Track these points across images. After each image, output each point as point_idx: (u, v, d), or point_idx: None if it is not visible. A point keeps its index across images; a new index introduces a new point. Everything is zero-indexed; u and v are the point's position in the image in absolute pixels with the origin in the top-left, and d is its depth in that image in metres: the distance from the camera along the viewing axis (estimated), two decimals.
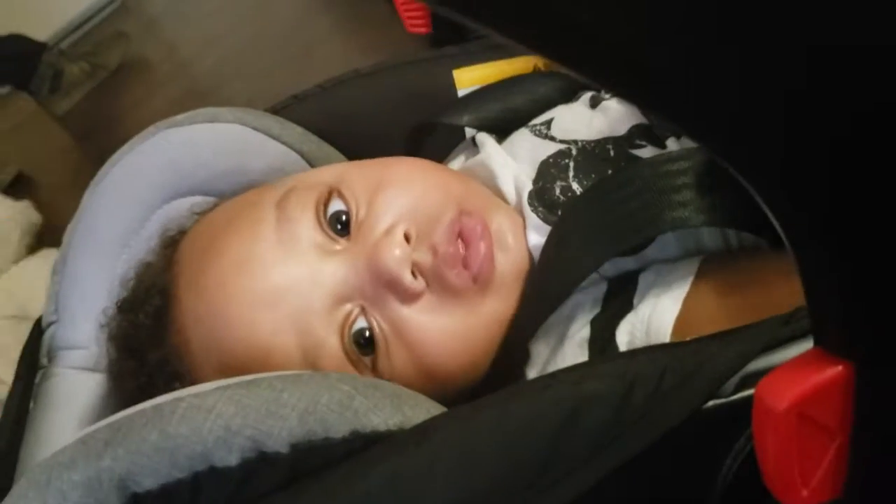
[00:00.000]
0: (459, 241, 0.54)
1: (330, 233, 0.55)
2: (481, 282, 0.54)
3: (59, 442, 0.47)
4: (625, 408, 0.38)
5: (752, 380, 0.39)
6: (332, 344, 0.53)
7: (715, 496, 0.41)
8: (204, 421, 0.41)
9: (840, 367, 0.29)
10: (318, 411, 0.42)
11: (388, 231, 0.54)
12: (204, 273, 0.55)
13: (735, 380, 0.39)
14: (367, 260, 0.53)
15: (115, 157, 0.69)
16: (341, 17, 2.17)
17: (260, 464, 0.41)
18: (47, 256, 1.67)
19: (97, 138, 2.45)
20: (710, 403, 0.39)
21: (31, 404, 0.64)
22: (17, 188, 2.34)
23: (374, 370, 0.54)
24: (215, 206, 0.63)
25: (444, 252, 0.53)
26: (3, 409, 0.64)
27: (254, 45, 2.31)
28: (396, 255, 0.52)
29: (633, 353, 0.43)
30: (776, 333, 0.39)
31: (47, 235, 1.88)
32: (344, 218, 0.56)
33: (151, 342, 0.57)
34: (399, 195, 0.56)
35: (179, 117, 0.70)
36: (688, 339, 0.42)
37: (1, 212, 1.81)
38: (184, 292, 0.57)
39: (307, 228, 0.54)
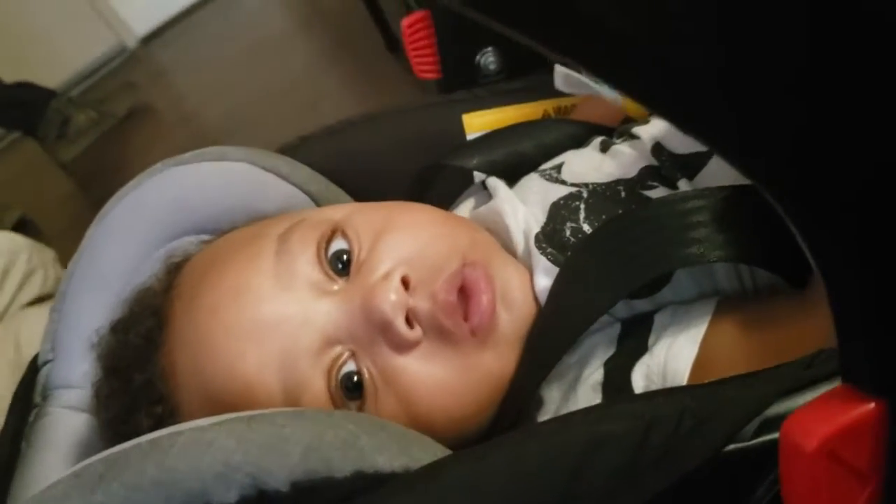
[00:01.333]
0: (460, 294, 0.53)
1: (329, 271, 0.53)
2: (481, 335, 0.52)
3: (51, 483, 0.45)
4: (641, 450, 0.37)
5: (772, 424, 0.38)
6: (316, 386, 0.50)
7: None
8: (203, 455, 0.39)
9: (871, 405, 0.28)
10: (322, 449, 0.40)
11: (387, 275, 0.52)
12: (198, 298, 0.54)
13: (755, 424, 0.38)
14: (361, 302, 0.51)
15: (120, 192, 0.68)
16: (349, 70, 2.20)
17: (258, 503, 0.39)
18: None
19: (101, 185, 2.46)
20: (730, 448, 0.38)
21: (24, 444, 0.62)
22: (20, 232, 2.33)
23: None
24: (221, 235, 0.62)
25: (443, 300, 0.51)
26: None
27: (261, 96, 2.34)
28: (392, 300, 0.50)
29: (650, 395, 0.42)
30: (798, 376, 0.38)
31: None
32: (345, 258, 0.54)
33: (139, 362, 0.55)
34: (403, 240, 0.55)
35: (187, 155, 0.69)
36: (706, 381, 0.41)
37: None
38: (177, 316, 0.55)
39: (306, 264, 0.53)
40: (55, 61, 2.99)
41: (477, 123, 0.77)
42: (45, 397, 0.64)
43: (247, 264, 0.54)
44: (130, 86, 2.83)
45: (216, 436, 0.40)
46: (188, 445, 0.40)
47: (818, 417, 0.29)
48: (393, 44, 1.98)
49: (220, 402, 0.51)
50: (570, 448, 0.37)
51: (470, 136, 0.76)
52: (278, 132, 0.75)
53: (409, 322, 0.51)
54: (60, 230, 2.30)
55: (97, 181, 2.50)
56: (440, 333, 0.51)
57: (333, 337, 0.51)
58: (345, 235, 0.55)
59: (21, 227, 2.42)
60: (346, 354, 0.51)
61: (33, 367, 0.67)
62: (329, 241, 0.54)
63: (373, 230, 0.55)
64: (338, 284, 0.53)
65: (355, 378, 0.51)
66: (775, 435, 0.37)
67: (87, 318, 0.64)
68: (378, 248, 0.54)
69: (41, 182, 2.75)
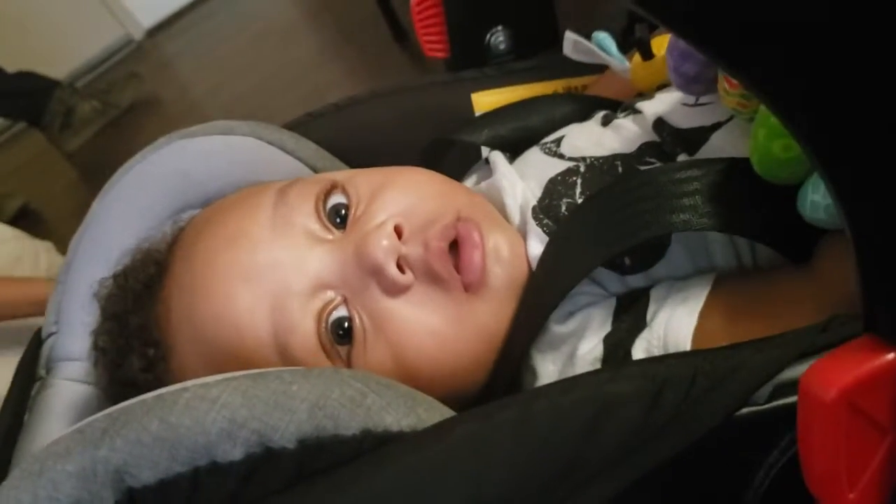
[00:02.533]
0: (452, 250, 0.53)
1: (326, 223, 0.54)
2: (472, 289, 0.52)
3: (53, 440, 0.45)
4: (654, 411, 0.36)
5: (786, 389, 0.37)
6: (306, 329, 0.51)
7: None
8: (208, 411, 0.39)
9: (892, 355, 0.27)
10: (329, 406, 0.39)
11: (381, 224, 0.53)
12: (196, 245, 0.55)
13: (769, 388, 0.37)
14: (354, 248, 0.52)
15: (126, 165, 0.68)
16: (356, 61, 2.19)
17: (265, 460, 0.38)
18: None
19: (105, 175, 2.43)
20: (743, 411, 0.37)
21: (27, 416, 0.61)
22: (22, 221, 2.33)
23: (348, 363, 0.52)
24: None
25: (435, 247, 0.52)
26: None
27: (267, 87, 2.33)
28: (384, 245, 0.51)
29: (661, 358, 0.41)
30: (813, 340, 0.37)
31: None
32: (343, 212, 0.55)
33: (136, 306, 0.57)
34: (399, 196, 0.56)
35: (194, 128, 0.69)
36: None
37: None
38: (176, 263, 0.56)
39: (303, 216, 0.54)
40: (61, 52, 2.98)
41: (486, 102, 0.76)
42: (48, 370, 0.64)
43: (245, 214, 0.55)
44: (135, 76, 2.82)
45: (221, 392, 0.39)
46: (193, 401, 0.39)
47: (838, 368, 0.28)
48: (400, 34, 1.97)
49: (211, 345, 0.51)
50: (580, 408, 0.37)
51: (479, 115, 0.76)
52: (283, 121, 0.75)
53: (400, 268, 0.51)
54: (64, 220, 2.30)
55: (101, 171, 2.47)
56: (432, 279, 0.52)
57: (325, 282, 0.52)
58: (344, 191, 0.56)
59: (23, 215, 2.43)
60: (338, 300, 0.52)
61: (37, 340, 0.66)
62: (328, 195, 0.55)
63: (371, 188, 0.56)
64: (333, 235, 0.54)
65: (346, 324, 0.51)
66: (789, 399, 0.37)
67: (91, 291, 0.64)
68: (374, 203, 0.55)
69: (45, 172, 2.74)
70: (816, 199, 0.41)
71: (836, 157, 0.25)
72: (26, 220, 2.35)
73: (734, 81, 0.46)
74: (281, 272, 0.51)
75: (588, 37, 0.70)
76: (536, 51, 0.83)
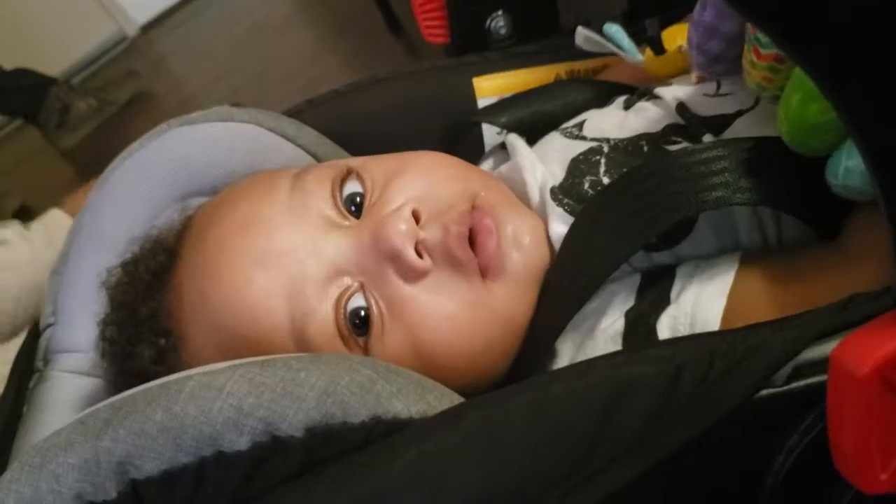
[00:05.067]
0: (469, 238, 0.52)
1: (342, 209, 0.54)
2: (490, 275, 0.52)
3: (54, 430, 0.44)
4: (672, 394, 0.35)
5: (806, 369, 0.36)
6: (323, 315, 0.50)
7: (765, 495, 0.38)
8: (214, 400, 0.37)
9: None
10: (338, 393, 0.38)
11: (397, 209, 0.52)
12: (208, 231, 0.54)
13: (788, 369, 0.36)
14: (371, 234, 0.51)
15: (124, 153, 0.66)
16: (351, 53, 2.18)
17: (272, 449, 0.37)
18: None
19: (102, 173, 2.44)
20: (763, 393, 0.36)
21: (25, 408, 0.60)
22: (20, 220, 2.32)
23: (366, 351, 0.51)
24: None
25: (455, 231, 0.51)
26: None
27: (262, 80, 2.32)
28: (401, 230, 0.50)
29: (676, 340, 0.40)
30: (833, 319, 0.36)
31: None
32: (358, 200, 0.54)
33: (146, 295, 0.55)
34: (415, 181, 0.55)
35: (193, 115, 0.68)
36: None
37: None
38: (187, 249, 0.55)
39: (319, 200, 0.53)
40: (55, 50, 2.97)
41: (487, 87, 0.75)
42: (46, 362, 0.63)
43: (259, 198, 0.54)
44: (131, 73, 2.80)
45: (228, 380, 0.38)
46: (198, 390, 0.38)
47: (871, 342, 0.27)
48: (395, 25, 1.96)
49: (225, 332, 0.50)
50: (596, 392, 0.36)
51: (480, 100, 0.75)
52: None
53: (418, 253, 0.50)
54: None
55: (98, 168, 2.45)
56: (451, 264, 0.51)
57: (342, 268, 0.51)
58: (359, 178, 0.55)
59: (22, 214, 2.41)
60: (355, 286, 0.51)
61: (35, 332, 0.65)
62: (343, 182, 0.55)
63: (386, 174, 0.55)
64: (349, 221, 0.53)
65: (363, 313, 0.50)
66: (810, 380, 0.36)
67: (90, 281, 0.63)
68: (390, 188, 0.54)
69: (42, 170, 2.73)
70: (851, 166, 0.40)
71: (878, 123, 0.24)
72: (25, 220, 2.33)
73: (763, 53, 0.44)
74: (297, 257, 0.50)
75: (589, 23, 0.69)
76: (537, 35, 0.82)
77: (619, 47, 0.67)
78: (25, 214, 2.41)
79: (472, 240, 0.52)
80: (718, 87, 0.56)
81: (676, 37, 0.63)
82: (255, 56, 2.50)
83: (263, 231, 0.51)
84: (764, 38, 0.45)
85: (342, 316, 0.50)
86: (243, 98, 2.28)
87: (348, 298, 0.51)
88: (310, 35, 2.47)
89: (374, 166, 0.56)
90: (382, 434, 0.38)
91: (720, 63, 0.50)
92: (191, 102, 2.52)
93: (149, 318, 0.54)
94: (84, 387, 0.61)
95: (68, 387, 0.60)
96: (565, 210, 0.54)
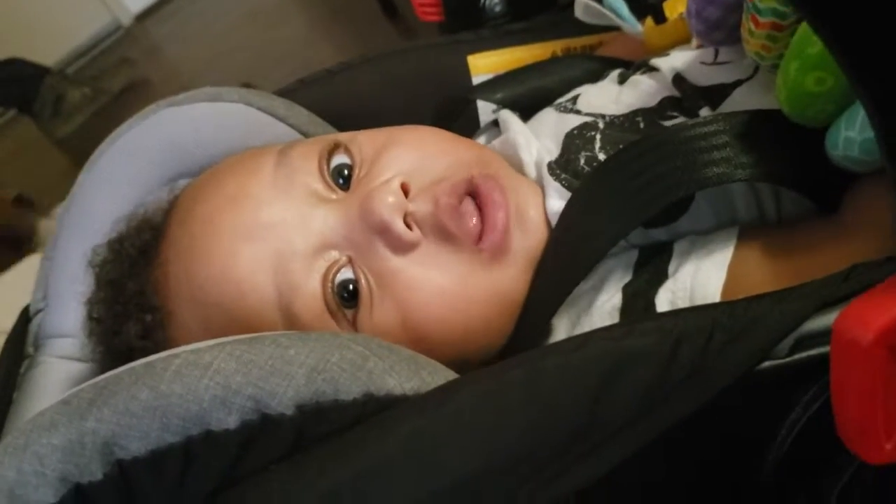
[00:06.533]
0: (472, 205, 0.51)
1: (330, 182, 0.53)
2: (493, 253, 0.50)
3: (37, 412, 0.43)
4: (671, 366, 0.34)
5: (807, 341, 0.35)
6: (311, 289, 0.49)
7: (768, 468, 0.37)
8: (201, 378, 0.36)
9: None
10: (329, 370, 0.37)
11: (386, 181, 0.51)
12: (194, 207, 0.53)
13: (790, 340, 0.35)
14: (358, 206, 0.50)
15: (112, 135, 0.65)
16: (346, 37, 2.16)
17: (261, 428, 0.36)
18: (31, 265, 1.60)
19: None
20: (764, 365, 0.35)
21: (15, 394, 0.59)
22: (18, 210, 2.31)
23: (354, 326, 0.50)
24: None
25: (444, 202, 0.50)
26: None
27: (257, 67, 2.30)
28: (389, 202, 0.49)
29: (675, 312, 0.39)
30: (835, 290, 0.35)
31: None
32: (346, 172, 0.53)
33: (132, 272, 0.55)
34: (405, 154, 0.54)
35: (180, 96, 0.67)
36: None
37: None
38: (173, 227, 0.54)
39: (306, 174, 0.52)
40: (49, 39, 2.95)
41: (482, 65, 0.74)
42: (37, 347, 0.62)
43: (246, 175, 0.53)
44: (125, 61, 2.79)
45: (215, 357, 0.37)
46: (184, 368, 0.37)
47: (875, 309, 0.26)
48: (390, 9, 1.94)
49: (212, 308, 0.49)
50: (593, 365, 0.35)
51: (475, 78, 0.73)
52: None
53: (407, 225, 0.49)
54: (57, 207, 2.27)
55: None
56: (441, 237, 0.50)
57: (330, 241, 0.50)
58: (347, 151, 0.54)
59: (19, 204, 2.40)
60: (343, 260, 0.50)
61: (24, 317, 0.64)
62: (331, 155, 0.53)
63: (375, 146, 0.54)
64: (337, 195, 0.52)
65: (351, 286, 0.50)
66: (813, 351, 0.35)
67: (79, 265, 0.62)
68: (379, 161, 0.53)
69: (36, 160, 2.72)
70: (851, 135, 0.39)
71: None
72: (21, 210, 2.32)
73: (761, 21, 0.43)
74: (284, 231, 0.50)
75: None
76: (532, 12, 0.81)
77: (619, 17, 0.66)
78: (22, 205, 2.40)
79: (469, 210, 0.51)
80: (716, 55, 0.55)
81: (677, 5, 0.62)
82: (249, 42, 2.49)
83: (249, 206, 0.51)
84: (762, 5, 0.44)
85: (330, 290, 0.49)
86: (237, 83, 2.26)
87: (336, 272, 0.50)
88: (304, 20, 2.46)
89: (364, 139, 0.55)
90: (375, 411, 0.37)
91: (719, 30, 0.49)
92: (187, 90, 2.50)
93: (135, 294, 0.53)
94: (75, 371, 0.60)
95: (59, 372, 0.60)
96: (563, 185, 0.53)
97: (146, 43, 3.03)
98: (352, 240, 0.50)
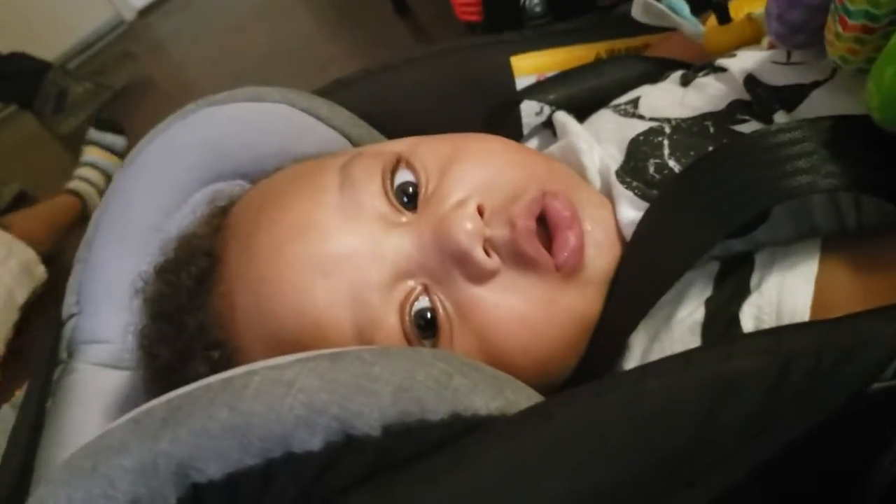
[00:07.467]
0: (541, 226, 0.49)
1: (395, 203, 0.49)
2: (567, 273, 0.48)
3: (82, 442, 0.40)
4: (780, 389, 0.33)
5: None
6: (390, 323, 0.47)
7: (873, 491, 0.35)
8: (283, 397, 0.35)
9: None
10: (415, 389, 0.36)
11: (460, 203, 0.48)
12: (258, 236, 0.50)
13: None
14: (433, 233, 0.47)
15: (150, 134, 0.63)
16: (357, 35, 2.13)
17: (346, 449, 0.34)
18: None
19: None
20: (874, 387, 0.34)
21: (50, 401, 0.57)
22: (19, 207, 2.29)
23: None
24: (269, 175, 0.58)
25: (522, 226, 0.47)
26: (19, 409, 0.58)
27: (264, 64, 2.28)
28: (468, 229, 0.46)
29: (776, 331, 0.37)
30: None
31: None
32: (411, 190, 0.50)
33: (192, 305, 0.51)
34: (474, 169, 0.51)
35: (220, 95, 0.65)
36: None
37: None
38: (233, 255, 0.51)
39: (372, 196, 0.49)
40: (51, 34, 2.93)
41: (526, 66, 0.72)
42: (70, 353, 0.60)
43: (309, 199, 0.50)
44: (128, 56, 2.76)
45: (297, 374, 0.35)
46: (265, 385, 0.35)
47: None
48: (402, 7, 1.92)
49: (286, 343, 0.46)
50: (698, 387, 0.33)
51: (518, 80, 0.72)
52: None
53: (485, 252, 0.47)
54: None
55: None
56: (520, 263, 0.48)
57: (405, 270, 0.47)
58: (410, 166, 0.51)
59: (21, 201, 2.37)
60: (419, 289, 0.47)
61: (57, 321, 0.62)
62: (394, 172, 0.50)
63: (439, 160, 0.51)
64: (406, 217, 0.49)
65: (429, 315, 0.47)
66: None
67: (115, 268, 0.60)
68: (447, 178, 0.50)
69: (39, 155, 2.69)
70: None
71: None
72: (23, 207, 2.30)
73: (850, 23, 0.42)
74: (357, 262, 0.47)
75: None
76: (573, 13, 0.79)
77: (680, 16, 0.63)
78: (24, 201, 2.38)
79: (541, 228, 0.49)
80: (789, 56, 0.53)
81: (742, 6, 0.60)
82: (256, 38, 2.46)
83: (319, 236, 0.48)
84: (852, 7, 0.42)
85: (408, 320, 0.47)
86: (245, 81, 2.23)
87: (413, 301, 0.47)
88: (312, 18, 2.43)
89: (425, 152, 0.52)
90: (461, 432, 0.36)
91: (801, 33, 0.47)
92: (192, 87, 2.47)
93: (198, 330, 0.50)
94: (112, 379, 0.58)
95: (95, 380, 0.58)
96: (635, 194, 0.51)
97: (149, 39, 3.00)
98: (427, 267, 0.47)
